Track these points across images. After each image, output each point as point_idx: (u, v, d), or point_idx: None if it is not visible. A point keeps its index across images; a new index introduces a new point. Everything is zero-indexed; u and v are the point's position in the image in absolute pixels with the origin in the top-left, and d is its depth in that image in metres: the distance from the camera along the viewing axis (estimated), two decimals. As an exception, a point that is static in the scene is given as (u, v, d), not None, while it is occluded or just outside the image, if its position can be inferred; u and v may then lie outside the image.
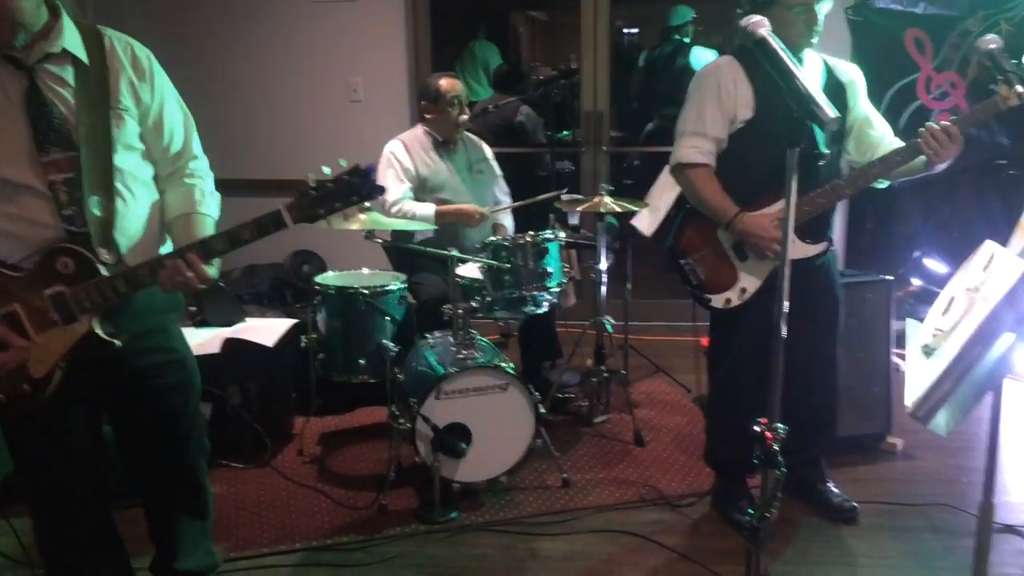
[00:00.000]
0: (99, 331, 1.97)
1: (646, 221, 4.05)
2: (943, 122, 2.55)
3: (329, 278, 3.70)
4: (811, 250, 2.83)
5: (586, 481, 3.43)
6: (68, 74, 1.95)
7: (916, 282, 5.09)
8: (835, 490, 3.16)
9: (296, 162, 5.28)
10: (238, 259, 4.98)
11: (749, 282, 2.86)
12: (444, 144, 4.05)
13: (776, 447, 1.64)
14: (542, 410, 3.27)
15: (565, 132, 5.87)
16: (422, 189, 3.97)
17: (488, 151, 4.26)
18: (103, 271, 1.95)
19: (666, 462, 3.60)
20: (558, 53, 8.34)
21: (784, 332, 1.67)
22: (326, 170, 1.96)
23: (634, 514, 3.20)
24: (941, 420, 1.54)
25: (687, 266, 2.93)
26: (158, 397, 2.18)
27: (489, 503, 3.26)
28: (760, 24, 1.75)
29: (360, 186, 1.94)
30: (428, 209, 3.87)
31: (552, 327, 4.16)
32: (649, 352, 4.63)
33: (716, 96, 2.76)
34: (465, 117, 4.01)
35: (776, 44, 1.71)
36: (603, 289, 3.89)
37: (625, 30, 8.13)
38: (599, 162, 5.35)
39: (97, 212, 1.95)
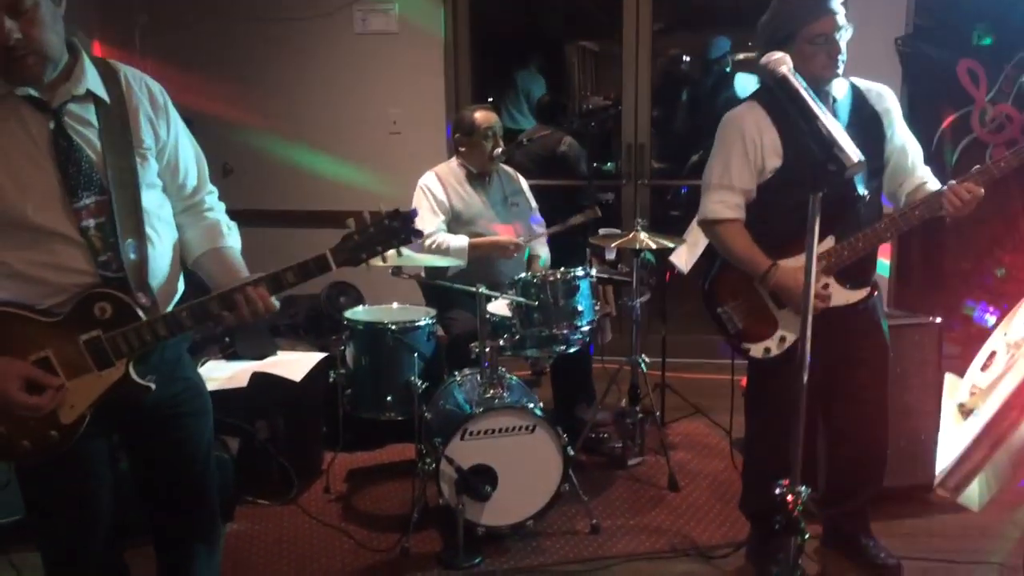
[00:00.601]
0: (135, 376, 1.93)
1: (684, 257, 3.95)
2: (967, 183, 2.49)
3: (359, 313, 3.66)
4: (853, 296, 2.70)
5: (616, 528, 3.31)
6: (91, 114, 1.91)
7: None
8: (879, 544, 3.00)
9: (336, 194, 5.35)
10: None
11: (789, 331, 2.73)
12: (479, 176, 4.01)
13: (798, 511, 1.52)
14: (571, 452, 3.17)
15: (609, 164, 5.79)
16: (456, 222, 3.93)
17: (524, 183, 4.21)
18: (142, 315, 1.91)
19: (701, 509, 3.47)
20: (610, 83, 8.31)
21: (805, 381, 1.55)
22: (366, 214, 1.97)
23: (665, 565, 3.08)
24: (974, 493, 1.41)
25: (724, 314, 2.82)
26: (177, 425, 2.14)
27: (514, 549, 3.16)
28: (781, 62, 1.66)
29: (400, 231, 1.95)
30: (462, 241, 3.83)
31: (587, 366, 4.07)
32: (687, 390, 4.49)
33: (741, 147, 2.65)
34: (500, 150, 3.96)
35: (798, 83, 1.62)
36: (637, 327, 3.78)
37: (685, 57, 8.09)
38: (640, 195, 5.25)
39: (133, 256, 1.92)
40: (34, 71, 1.80)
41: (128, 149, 1.93)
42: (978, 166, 2.54)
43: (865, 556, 2.98)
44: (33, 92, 1.83)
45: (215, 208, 2.19)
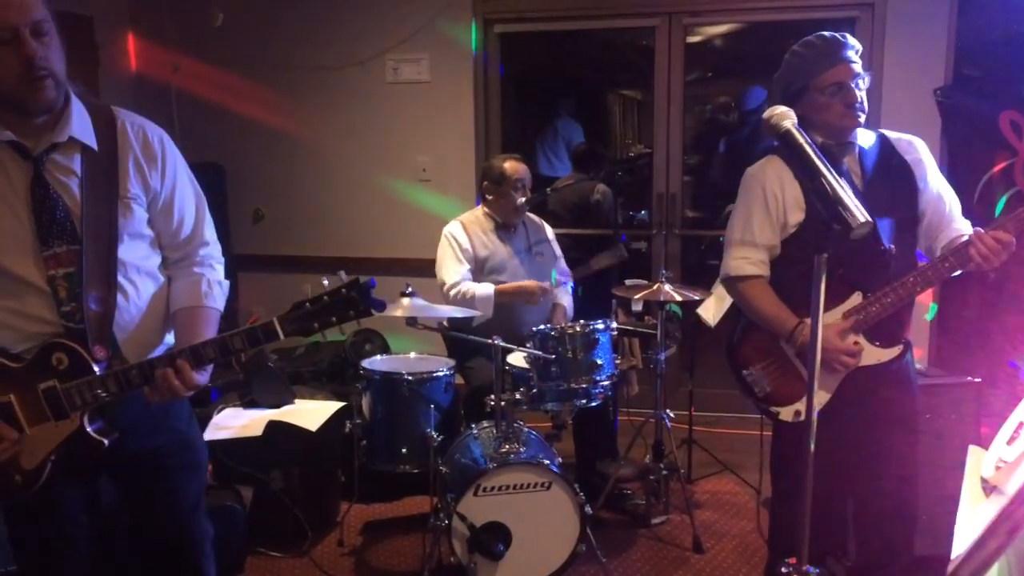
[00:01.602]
0: (88, 429, 1.89)
1: (712, 311, 3.85)
2: (993, 231, 2.34)
3: (376, 362, 3.61)
4: (885, 355, 2.56)
5: (636, 591, 3.19)
6: (75, 162, 1.90)
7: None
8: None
9: (366, 240, 5.35)
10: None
11: (819, 394, 2.60)
12: (504, 226, 3.96)
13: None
14: (588, 511, 3.06)
15: (643, 212, 5.73)
16: (480, 271, 3.88)
17: (549, 231, 4.15)
18: (96, 369, 1.88)
19: (726, 573, 3.32)
20: (652, 132, 8.29)
21: (812, 448, 1.45)
22: (325, 282, 1.91)
23: (685, 633, 2.94)
24: (993, 583, 1.30)
25: (750, 377, 2.69)
26: (164, 476, 2.11)
27: (528, 611, 3.05)
28: (784, 116, 1.58)
29: (357, 301, 1.86)
30: (487, 289, 3.77)
31: (610, 420, 3.96)
32: (715, 446, 4.35)
33: (763, 202, 2.56)
34: (523, 200, 3.91)
35: (801, 138, 1.54)
36: (662, 381, 3.68)
37: (725, 103, 8.06)
38: (670, 245, 5.17)
39: (94, 307, 1.89)
40: (49, 96, 1.82)
41: (112, 198, 1.92)
42: (1010, 214, 2.40)
43: (897, 630, 2.82)
44: (15, 137, 1.84)
45: (208, 263, 2.13)
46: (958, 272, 2.50)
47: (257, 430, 3.52)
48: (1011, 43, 4.69)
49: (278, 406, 3.75)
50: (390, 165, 5.28)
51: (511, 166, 3.93)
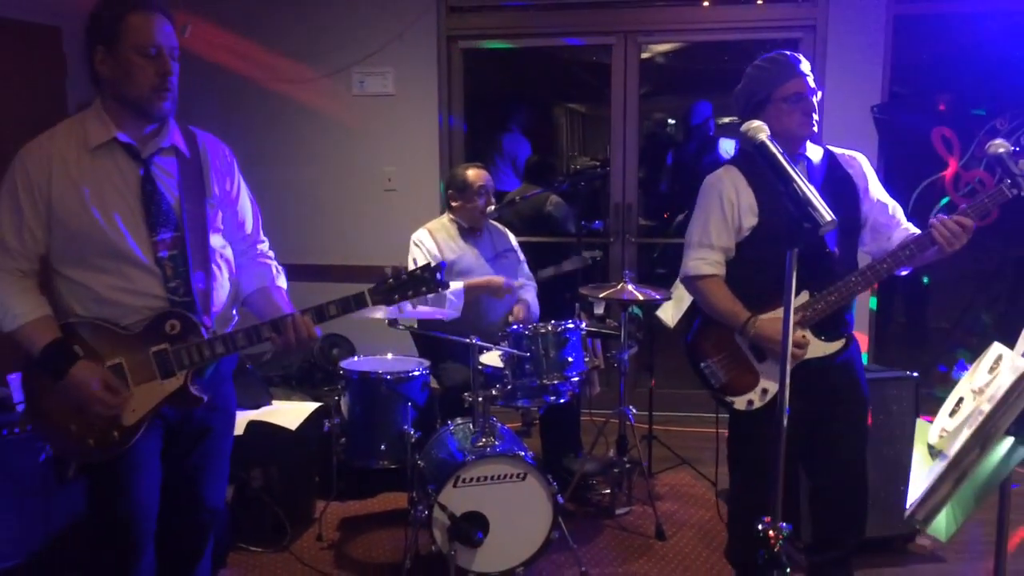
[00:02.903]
0: (191, 387, 2.22)
1: (670, 312, 4.08)
2: (956, 216, 2.58)
3: (354, 363, 3.76)
4: (829, 348, 2.82)
5: None
6: (173, 166, 2.27)
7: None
8: (860, 593, 3.08)
9: (332, 249, 5.46)
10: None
11: (770, 384, 2.84)
12: (470, 231, 4.14)
13: (779, 547, 1.62)
14: (560, 501, 3.25)
15: (597, 223, 5.95)
16: (449, 273, 4.03)
17: (513, 239, 4.35)
18: (205, 334, 2.22)
19: (688, 558, 3.54)
20: (597, 144, 8.55)
21: (784, 425, 1.66)
22: (387, 270, 2.34)
23: (652, 611, 3.14)
24: (941, 524, 1.52)
25: (707, 369, 2.92)
26: (211, 442, 2.43)
27: (505, 596, 3.22)
28: (760, 129, 1.80)
29: (430, 280, 2.29)
30: (457, 286, 3.93)
31: (575, 417, 4.16)
32: (674, 443, 4.58)
33: (720, 208, 2.80)
34: (491, 208, 4.10)
35: (775, 148, 1.76)
36: (624, 378, 3.89)
37: (670, 120, 8.36)
38: (627, 252, 5.40)
39: (201, 285, 2.25)
40: (167, 107, 2.22)
41: (202, 197, 2.30)
42: (963, 207, 2.65)
43: (847, 605, 3.05)
44: (132, 140, 2.21)
45: (267, 256, 2.54)
46: (901, 271, 2.77)
47: (238, 430, 3.60)
48: (942, 63, 5.05)
49: (257, 407, 3.87)
50: (357, 175, 5.42)
51: (474, 173, 4.12)
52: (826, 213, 1.66)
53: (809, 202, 1.66)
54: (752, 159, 2.61)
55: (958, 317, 5.27)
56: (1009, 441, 1.46)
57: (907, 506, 1.59)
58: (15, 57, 4.74)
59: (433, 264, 2.32)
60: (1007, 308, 5.13)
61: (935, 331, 5.56)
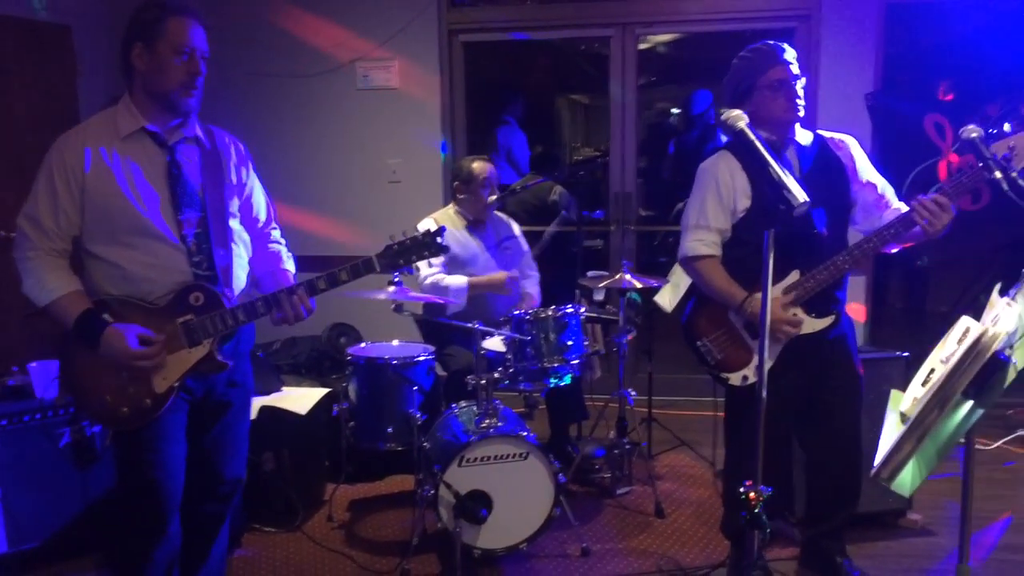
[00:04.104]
0: (216, 354, 2.41)
1: (668, 297, 4.19)
2: (934, 195, 2.68)
3: (362, 349, 3.88)
4: (819, 324, 2.93)
5: (605, 551, 3.50)
6: (195, 155, 2.48)
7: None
8: (853, 564, 3.18)
9: (338, 240, 5.58)
10: (279, 332, 5.18)
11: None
12: (474, 222, 4.25)
13: (759, 508, 1.73)
14: (562, 479, 3.36)
15: (598, 212, 6.06)
16: (453, 264, 4.15)
17: (516, 228, 4.46)
18: (226, 303, 2.41)
19: (686, 534, 3.66)
20: (601, 135, 8.65)
21: (764, 396, 1.77)
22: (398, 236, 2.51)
23: (651, 584, 3.26)
24: (905, 481, 1.63)
25: (703, 347, 3.03)
26: (231, 417, 2.62)
27: (509, 571, 3.35)
28: (739, 118, 1.91)
29: (431, 245, 2.47)
30: (461, 281, 4.06)
31: (579, 391, 4.27)
32: (674, 426, 4.70)
33: (716, 191, 2.92)
34: (494, 198, 4.21)
35: (752, 135, 1.87)
36: (624, 362, 4.01)
37: (674, 110, 8.45)
38: (627, 240, 5.51)
39: (222, 262, 2.45)
40: (193, 104, 2.42)
41: (221, 183, 2.50)
42: (942, 185, 2.76)
43: (840, 574, 3.16)
44: (158, 129, 2.41)
45: (278, 241, 2.75)
46: (889, 249, 2.88)
47: (251, 415, 3.75)
48: (934, 51, 5.14)
49: (268, 392, 3.99)
50: (361, 168, 5.53)
51: (479, 166, 4.23)
52: (799, 195, 1.77)
53: (784, 184, 1.77)
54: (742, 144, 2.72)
55: (956, 300, 5.37)
56: (966, 402, 1.56)
57: (873, 466, 1.70)
58: (27, 55, 4.85)
59: (433, 229, 2.48)
60: (1004, 291, 5.22)
61: (934, 315, 5.67)
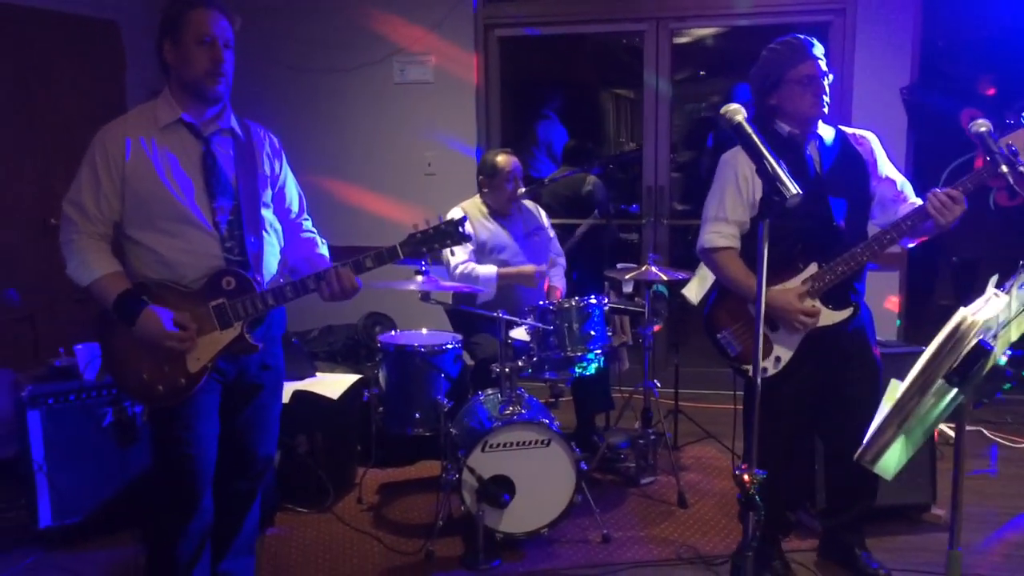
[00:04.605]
0: (246, 336, 2.54)
1: (695, 290, 4.23)
2: (948, 189, 2.71)
3: (392, 337, 3.98)
4: (837, 316, 2.95)
5: (626, 538, 3.56)
6: (229, 146, 2.61)
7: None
8: (872, 556, 3.20)
9: (375, 230, 5.69)
10: (317, 320, 5.33)
11: (783, 351, 2.99)
12: (500, 212, 4.33)
13: (753, 490, 1.79)
14: (583, 467, 3.43)
15: (635, 206, 6.10)
16: (482, 252, 4.23)
17: (545, 218, 4.52)
18: (257, 288, 2.54)
19: (707, 524, 3.70)
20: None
21: (759, 381, 1.82)
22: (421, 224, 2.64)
23: (670, 571, 3.31)
24: (889, 464, 1.67)
25: (723, 339, 3.07)
26: (262, 398, 2.75)
27: (530, 554, 3.42)
28: (737, 112, 1.96)
29: (454, 233, 2.60)
30: (490, 270, 4.13)
31: (606, 381, 4.33)
32: (701, 419, 4.73)
33: (735, 184, 2.95)
34: (522, 190, 4.28)
35: (749, 129, 1.92)
36: (649, 353, 4.06)
37: (707, 103, 8.43)
38: (659, 234, 5.54)
39: (253, 249, 2.57)
40: (220, 89, 2.52)
41: (254, 174, 2.63)
42: (956, 183, 2.78)
43: (859, 566, 3.18)
44: (194, 120, 2.54)
45: (311, 230, 2.89)
46: (906, 243, 2.90)
47: (284, 398, 3.87)
48: (971, 45, 5.09)
49: (302, 378, 4.12)
50: (398, 160, 5.65)
51: (503, 159, 4.30)
52: (791, 187, 1.82)
53: (777, 176, 1.82)
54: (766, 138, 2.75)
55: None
56: (946, 386, 1.60)
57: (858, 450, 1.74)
58: (77, 51, 5.04)
59: (456, 218, 2.60)
60: (1001, 283, 5.15)
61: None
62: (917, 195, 3.02)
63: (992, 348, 1.54)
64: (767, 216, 1.85)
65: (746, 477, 1.81)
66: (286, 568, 3.35)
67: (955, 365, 1.55)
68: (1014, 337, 1.60)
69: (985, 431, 4.64)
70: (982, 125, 2.56)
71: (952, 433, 4.50)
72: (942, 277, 5.91)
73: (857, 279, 2.98)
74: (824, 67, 2.91)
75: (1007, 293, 1.70)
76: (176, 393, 2.51)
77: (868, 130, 3.11)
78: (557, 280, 4.44)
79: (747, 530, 1.84)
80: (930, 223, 2.76)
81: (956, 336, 1.59)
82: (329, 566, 3.38)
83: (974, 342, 1.54)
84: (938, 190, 2.72)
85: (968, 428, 4.59)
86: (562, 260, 4.52)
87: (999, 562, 3.35)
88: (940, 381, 1.58)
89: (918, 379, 1.62)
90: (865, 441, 1.70)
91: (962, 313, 1.61)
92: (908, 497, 3.62)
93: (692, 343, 4.91)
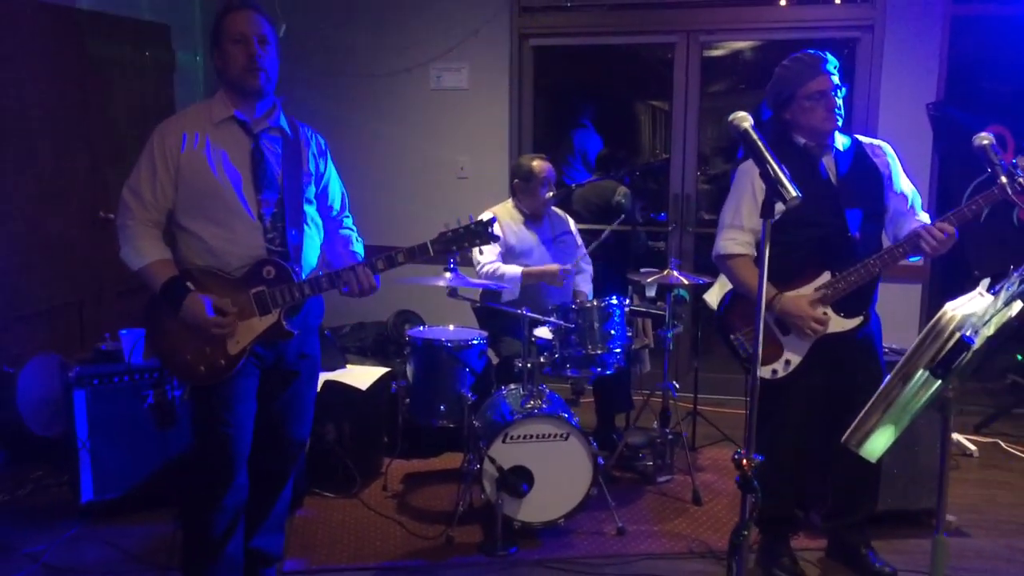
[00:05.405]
0: (283, 323, 2.69)
1: (716, 296, 4.32)
2: (938, 223, 2.85)
3: (420, 331, 4.14)
4: (848, 324, 3.06)
5: (640, 532, 3.67)
6: (278, 144, 2.77)
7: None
8: (878, 556, 3.29)
9: (408, 232, 5.84)
10: (350, 316, 5.50)
11: (793, 355, 3.10)
12: (531, 216, 4.47)
13: (751, 474, 1.91)
14: (600, 461, 3.55)
15: (663, 214, 6.21)
16: (510, 255, 4.38)
17: (572, 225, 4.66)
18: (296, 278, 2.69)
19: (720, 520, 3.80)
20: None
21: (758, 371, 1.94)
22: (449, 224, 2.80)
23: (680, 563, 3.43)
24: (875, 448, 1.78)
25: (736, 341, 3.19)
26: (298, 385, 2.91)
27: (546, 543, 3.55)
28: (743, 119, 2.08)
29: (482, 233, 2.75)
30: (516, 270, 4.28)
31: (627, 382, 4.45)
32: (720, 422, 4.82)
33: (751, 192, 3.07)
34: (551, 194, 4.43)
35: (755, 135, 2.04)
36: (668, 355, 4.18)
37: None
38: (684, 241, 5.65)
39: (295, 241, 2.72)
40: (261, 84, 2.66)
41: (299, 171, 2.78)
42: (953, 209, 2.89)
43: (864, 565, 3.27)
44: (244, 116, 2.70)
45: (350, 228, 3.04)
46: (914, 257, 3.00)
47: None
48: (997, 62, 5.15)
49: (332, 369, 4.29)
50: (432, 164, 5.81)
51: (538, 164, 4.44)
52: (792, 190, 1.94)
53: (779, 179, 1.94)
54: (782, 148, 2.87)
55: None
56: (927, 375, 1.71)
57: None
58: (130, 52, 5.26)
59: (485, 219, 2.75)
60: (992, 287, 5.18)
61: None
62: (939, 211, 3.13)
63: (973, 342, 1.65)
64: (768, 216, 1.97)
65: (744, 461, 1.93)
66: (313, 547, 3.52)
67: (939, 358, 1.65)
68: (991, 332, 1.71)
69: (1002, 443, 4.69)
70: (984, 138, 2.66)
71: (969, 445, 4.58)
72: (966, 291, 5.96)
73: (870, 288, 3.08)
74: (837, 80, 3.01)
75: (995, 295, 1.80)
76: (216, 373, 2.67)
77: (892, 144, 3.21)
78: (584, 285, 4.58)
79: (744, 511, 1.95)
80: (920, 252, 2.89)
81: (936, 329, 1.70)
82: (354, 547, 3.53)
83: (956, 336, 1.65)
84: (929, 226, 2.86)
85: (985, 441, 4.70)
86: (589, 267, 4.65)
87: (1017, 572, 3.41)
88: (922, 371, 1.69)
89: (901, 369, 1.74)
90: (852, 426, 1.82)
91: (945, 308, 1.72)
92: (920, 501, 3.70)
93: (715, 351, 5.00)
